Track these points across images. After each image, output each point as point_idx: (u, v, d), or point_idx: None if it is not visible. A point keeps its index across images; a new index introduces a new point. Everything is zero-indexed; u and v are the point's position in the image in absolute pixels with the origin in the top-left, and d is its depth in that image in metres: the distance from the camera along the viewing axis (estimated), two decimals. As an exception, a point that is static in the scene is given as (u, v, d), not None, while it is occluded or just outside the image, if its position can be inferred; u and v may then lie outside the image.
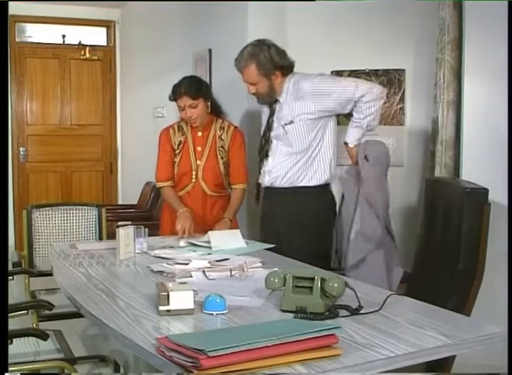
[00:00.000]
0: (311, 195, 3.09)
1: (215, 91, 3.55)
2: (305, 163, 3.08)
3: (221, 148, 3.36)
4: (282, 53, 3.10)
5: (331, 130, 3.11)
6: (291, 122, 3.07)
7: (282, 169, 3.12)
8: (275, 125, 3.15)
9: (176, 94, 3.28)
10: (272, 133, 3.16)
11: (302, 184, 3.09)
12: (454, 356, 2.11)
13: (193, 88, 3.26)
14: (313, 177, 3.09)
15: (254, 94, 3.16)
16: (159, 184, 3.42)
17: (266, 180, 3.19)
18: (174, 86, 3.32)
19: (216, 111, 3.40)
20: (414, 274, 2.78)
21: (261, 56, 3.04)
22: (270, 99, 3.16)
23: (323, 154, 3.09)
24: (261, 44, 3.08)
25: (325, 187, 3.13)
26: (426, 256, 2.67)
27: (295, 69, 3.16)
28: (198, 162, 3.35)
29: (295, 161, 3.09)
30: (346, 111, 3.06)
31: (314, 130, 3.06)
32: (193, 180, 3.35)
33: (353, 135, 3.07)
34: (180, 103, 3.27)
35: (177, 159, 3.36)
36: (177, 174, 3.37)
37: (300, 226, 3.08)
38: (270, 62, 3.04)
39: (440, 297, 2.31)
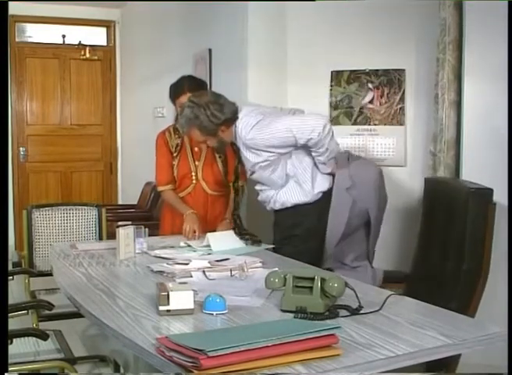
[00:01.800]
0: (303, 212, 2.95)
1: (215, 91, 3.55)
2: (279, 192, 2.97)
3: None
4: (222, 106, 2.89)
5: (299, 160, 2.93)
6: (253, 172, 2.99)
7: (267, 198, 3.04)
8: None
9: (178, 92, 3.27)
10: None
11: (286, 206, 2.97)
12: (459, 356, 2.11)
13: (196, 86, 3.26)
14: (298, 198, 2.94)
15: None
16: (160, 188, 3.41)
17: (267, 206, 3.12)
18: (173, 84, 3.32)
19: None
20: (414, 274, 2.78)
21: (201, 119, 2.87)
22: (224, 148, 3.11)
23: (300, 179, 2.94)
24: (197, 106, 2.88)
25: (313, 204, 2.96)
26: (427, 256, 2.67)
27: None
28: (197, 162, 3.35)
29: (273, 192, 3.00)
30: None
31: (278, 168, 2.92)
32: (194, 181, 3.36)
33: (322, 169, 2.94)
34: (182, 100, 3.25)
35: (176, 162, 3.36)
36: (177, 176, 3.37)
37: (286, 241, 2.97)
38: (212, 123, 2.88)
39: (443, 297, 2.31)
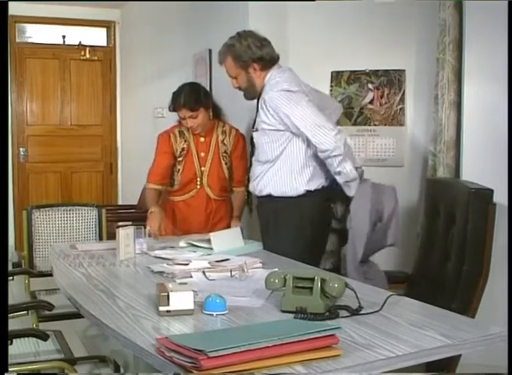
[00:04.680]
0: (285, 205, 2.89)
1: (216, 91, 3.55)
2: (274, 175, 2.88)
3: (224, 154, 3.36)
4: (261, 44, 2.90)
5: (299, 146, 2.85)
6: (256, 129, 2.91)
7: (254, 176, 2.98)
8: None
9: (175, 106, 3.26)
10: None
11: (275, 195, 2.90)
12: (459, 357, 2.11)
13: (192, 100, 3.21)
14: (288, 188, 2.87)
15: (238, 88, 3.02)
16: (150, 185, 3.39)
17: (250, 186, 3.06)
18: (173, 95, 3.29)
19: (217, 114, 3.38)
20: (416, 275, 2.77)
21: (237, 47, 2.89)
22: (253, 94, 2.99)
23: (292, 167, 2.86)
24: (239, 36, 2.93)
25: (300, 198, 2.88)
26: (428, 257, 2.67)
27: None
28: (202, 168, 3.35)
29: (263, 170, 2.91)
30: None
31: (276, 142, 2.85)
32: (198, 186, 3.36)
33: (347, 191, 2.82)
34: (180, 114, 3.25)
35: (181, 166, 3.35)
36: (181, 181, 3.36)
37: (274, 237, 2.92)
38: (246, 53, 2.87)
39: (444, 298, 2.31)
